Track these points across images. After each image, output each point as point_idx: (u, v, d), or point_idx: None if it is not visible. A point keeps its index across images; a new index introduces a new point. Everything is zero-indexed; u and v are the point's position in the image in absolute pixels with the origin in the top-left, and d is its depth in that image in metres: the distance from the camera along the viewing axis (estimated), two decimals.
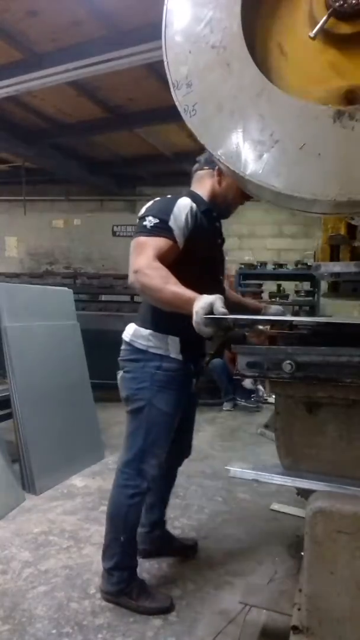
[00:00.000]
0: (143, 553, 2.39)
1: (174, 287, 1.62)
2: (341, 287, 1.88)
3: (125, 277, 1.91)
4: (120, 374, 2.02)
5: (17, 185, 8.18)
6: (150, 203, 1.91)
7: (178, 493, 3.11)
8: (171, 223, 1.79)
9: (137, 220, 1.88)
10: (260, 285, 7.17)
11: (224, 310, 1.44)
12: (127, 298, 6.60)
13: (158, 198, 1.93)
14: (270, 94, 1.21)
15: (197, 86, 1.25)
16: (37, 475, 3.10)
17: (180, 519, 2.78)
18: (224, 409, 5.54)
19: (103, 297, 7.33)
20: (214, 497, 3.14)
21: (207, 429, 4.77)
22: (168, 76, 1.28)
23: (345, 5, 1.14)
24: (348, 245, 1.69)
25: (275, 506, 2.98)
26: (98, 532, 2.66)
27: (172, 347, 1.91)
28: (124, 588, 2.01)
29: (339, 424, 1.42)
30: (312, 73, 1.25)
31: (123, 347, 2.03)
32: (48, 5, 3.78)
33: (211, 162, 2.00)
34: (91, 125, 6.38)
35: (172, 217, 1.80)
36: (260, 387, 5.41)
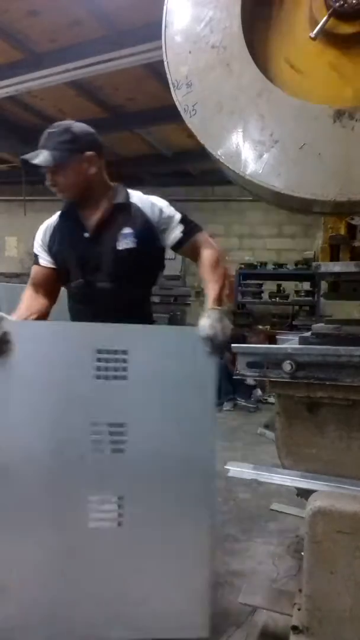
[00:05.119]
0: None
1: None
2: (341, 288, 1.88)
3: None
4: None
5: (17, 185, 8.16)
6: None
7: None
8: (35, 249, 2.04)
9: None
10: (260, 285, 7.18)
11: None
12: None
13: None
14: (270, 94, 1.21)
15: (197, 86, 1.25)
16: None
17: None
18: (224, 409, 5.53)
19: None
20: None
21: None
22: (168, 76, 1.28)
23: (346, 5, 1.14)
24: (348, 246, 1.69)
25: (275, 506, 2.97)
26: None
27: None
28: None
29: (339, 424, 1.42)
30: (315, 75, 1.25)
31: None
32: (48, 5, 3.78)
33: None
34: (91, 125, 6.37)
35: (35, 243, 2.04)
36: (259, 389, 5.40)
